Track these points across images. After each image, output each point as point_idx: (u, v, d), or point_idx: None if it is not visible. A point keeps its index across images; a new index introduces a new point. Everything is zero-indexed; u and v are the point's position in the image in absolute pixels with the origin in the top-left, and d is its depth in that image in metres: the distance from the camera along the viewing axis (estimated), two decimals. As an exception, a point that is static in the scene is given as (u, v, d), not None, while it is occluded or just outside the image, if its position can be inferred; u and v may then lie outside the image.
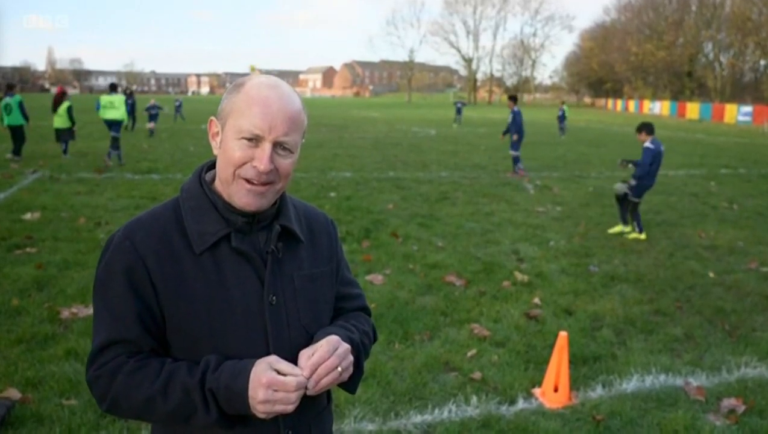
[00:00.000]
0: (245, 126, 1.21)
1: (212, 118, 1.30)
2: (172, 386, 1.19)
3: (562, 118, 26.93)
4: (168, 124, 27.40)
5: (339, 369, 1.22)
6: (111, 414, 1.25)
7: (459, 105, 36.15)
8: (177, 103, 31.70)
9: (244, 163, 1.22)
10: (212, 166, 1.36)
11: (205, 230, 1.26)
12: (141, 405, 1.21)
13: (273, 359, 1.19)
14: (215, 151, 1.29)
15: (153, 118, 22.22)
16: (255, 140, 1.21)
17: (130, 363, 1.22)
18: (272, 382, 1.15)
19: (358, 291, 1.54)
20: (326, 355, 1.21)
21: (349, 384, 1.37)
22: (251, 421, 1.27)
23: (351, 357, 1.26)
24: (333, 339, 1.24)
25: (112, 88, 15.04)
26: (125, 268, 1.23)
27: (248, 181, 1.23)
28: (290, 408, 1.17)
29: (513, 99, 14.19)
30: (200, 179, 1.33)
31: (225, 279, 1.26)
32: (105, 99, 14.55)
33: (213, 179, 1.33)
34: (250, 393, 1.16)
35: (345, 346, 1.25)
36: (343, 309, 1.48)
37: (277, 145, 1.23)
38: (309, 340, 1.33)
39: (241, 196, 1.24)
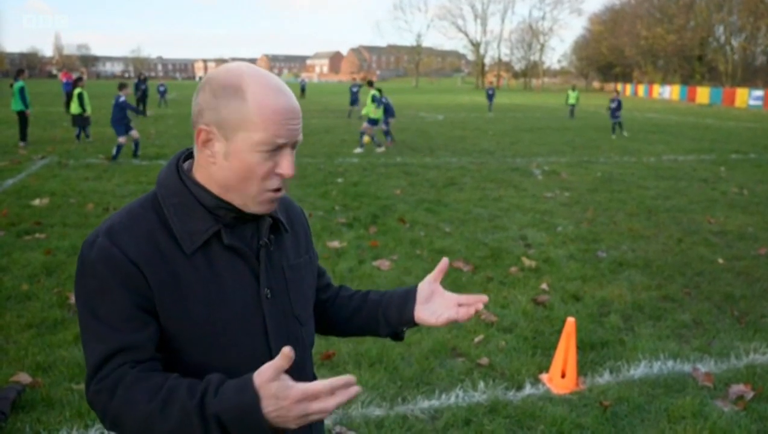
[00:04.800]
0: (268, 138, 1.15)
1: (202, 126, 1.18)
2: (171, 405, 1.08)
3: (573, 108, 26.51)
4: (154, 110, 27.28)
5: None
6: (115, 432, 1.15)
7: (490, 91, 32.66)
8: (162, 89, 31.38)
9: (268, 174, 1.18)
10: (189, 155, 1.28)
11: (194, 229, 1.20)
12: (141, 423, 1.09)
13: (274, 369, 1.02)
14: (209, 160, 1.19)
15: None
16: (277, 148, 1.18)
17: (132, 373, 1.11)
18: (305, 395, 1.00)
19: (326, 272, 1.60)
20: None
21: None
22: None
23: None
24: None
25: None
26: (121, 277, 1.14)
27: (275, 190, 1.20)
28: (326, 414, 1.04)
29: (379, 91, 17.19)
30: (178, 171, 1.24)
31: (220, 277, 1.21)
32: None
33: (190, 169, 1.25)
34: (266, 406, 1.01)
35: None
36: (330, 286, 1.55)
37: (294, 146, 1.21)
38: (301, 330, 1.34)
39: (264, 205, 1.22)
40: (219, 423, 1.04)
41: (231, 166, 1.17)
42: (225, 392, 1.05)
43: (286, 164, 1.18)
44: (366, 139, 15.52)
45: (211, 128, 1.17)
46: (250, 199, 1.20)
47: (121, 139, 12.76)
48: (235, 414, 1.03)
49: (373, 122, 15.74)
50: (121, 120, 12.93)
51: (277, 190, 1.20)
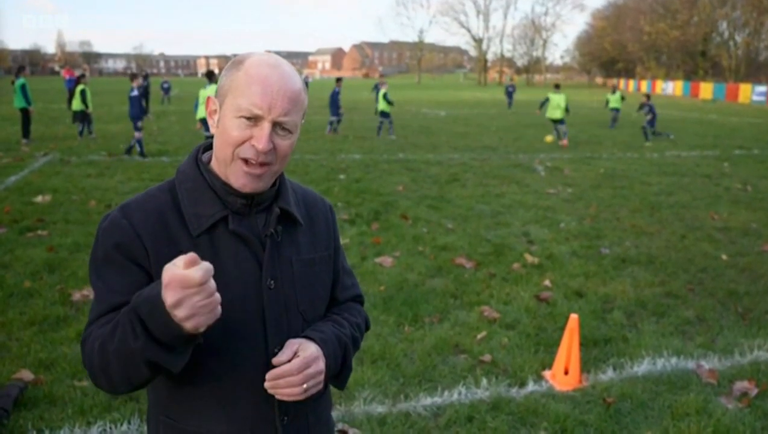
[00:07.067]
0: (244, 104, 1.18)
1: (210, 95, 1.28)
2: (115, 324, 1.11)
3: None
4: (156, 107, 27.28)
5: (304, 386, 1.20)
6: (95, 379, 1.17)
7: (510, 89, 31.92)
8: (165, 86, 31.55)
9: (243, 142, 1.20)
10: (209, 146, 1.33)
11: (202, 212, 1.24)
12: (100, 354, 1.12)
13: (181, 257, 1.00)
14: (212, 130, 1.25)
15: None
16: (254, 119, 1.19)
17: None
18: (172, 280, 0.98)
19: (352, 281, 1.52)
20: (293, 371, 1.20)
21: (337, 382, 1.38)
22: (244, 404, 1.25)
23: (320, 378, 1.25)
24: (310, 356, 1.22)
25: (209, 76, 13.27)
26: (121, 243, 1.20)
27: (246, 161, 1.20)
28: (213, 310, 1.01)
29: (339, 80, 19.37)
30: (197, 160, 1.31)
31: (222, 262, 1.23)
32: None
33: (210, 160, 1.31)
34: (168, 297, 0.99)
35: (318, 367, 1.23)
36: (336, 300, 1.46)
37: (276, 125, 1.21)
38: (305, 326, 1.33)
39: (239, 177, 1.22)
40: (139, 319, 1.05)
41: (218, 132, 1.23)
42: (144, 289, 1.08)
43: (258, 136, 1.19)
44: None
45: (214, 97, 1.26)
46: (225, 166, 1.23)
47: (137, 135, 12.67)
48: (147, 308, 1.03)
49: (385, 115, 17.64)
50: (139, 115, 12.75)
51: (249, 162, 1.20)
